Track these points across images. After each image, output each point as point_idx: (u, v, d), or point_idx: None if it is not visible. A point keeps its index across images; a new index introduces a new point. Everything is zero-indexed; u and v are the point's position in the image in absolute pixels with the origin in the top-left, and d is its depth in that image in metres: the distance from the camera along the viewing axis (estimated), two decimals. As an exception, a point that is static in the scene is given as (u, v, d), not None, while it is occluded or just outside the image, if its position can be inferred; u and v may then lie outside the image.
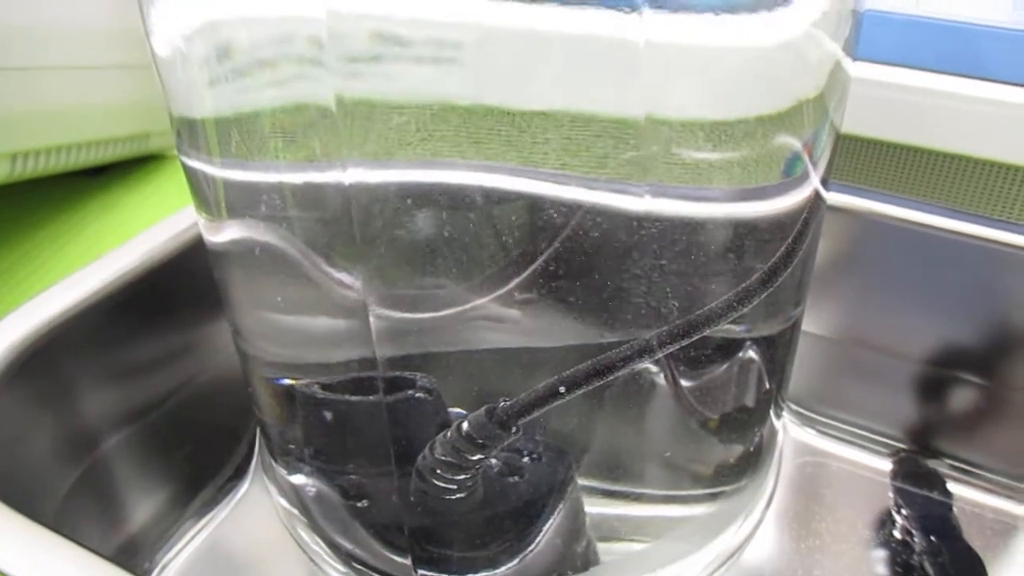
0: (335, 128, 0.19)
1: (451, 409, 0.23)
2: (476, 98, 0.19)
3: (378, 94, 0.18)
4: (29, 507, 0.22)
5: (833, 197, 0.34)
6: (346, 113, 0.18)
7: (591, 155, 0.19)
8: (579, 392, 0.20)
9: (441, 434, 0.22)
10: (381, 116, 0.19)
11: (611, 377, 0.20)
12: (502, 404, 0.21)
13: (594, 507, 0.25)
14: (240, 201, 0.23)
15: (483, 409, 0.21)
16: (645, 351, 0.20)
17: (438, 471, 0.22)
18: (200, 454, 0.33)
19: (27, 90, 0.43)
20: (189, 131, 0.22)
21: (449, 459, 0.22)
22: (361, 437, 0.24)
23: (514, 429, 0.21)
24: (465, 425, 0.21)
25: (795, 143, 0.21)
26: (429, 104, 0.19)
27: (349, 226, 0.20)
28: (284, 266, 0.22)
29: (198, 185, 0.24)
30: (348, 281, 0.21)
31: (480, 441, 0.21)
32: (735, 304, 0.21)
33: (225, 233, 0.24)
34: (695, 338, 0.21)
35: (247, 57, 0.19)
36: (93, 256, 0.30)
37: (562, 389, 0.20)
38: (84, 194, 0.57)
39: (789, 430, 0.36)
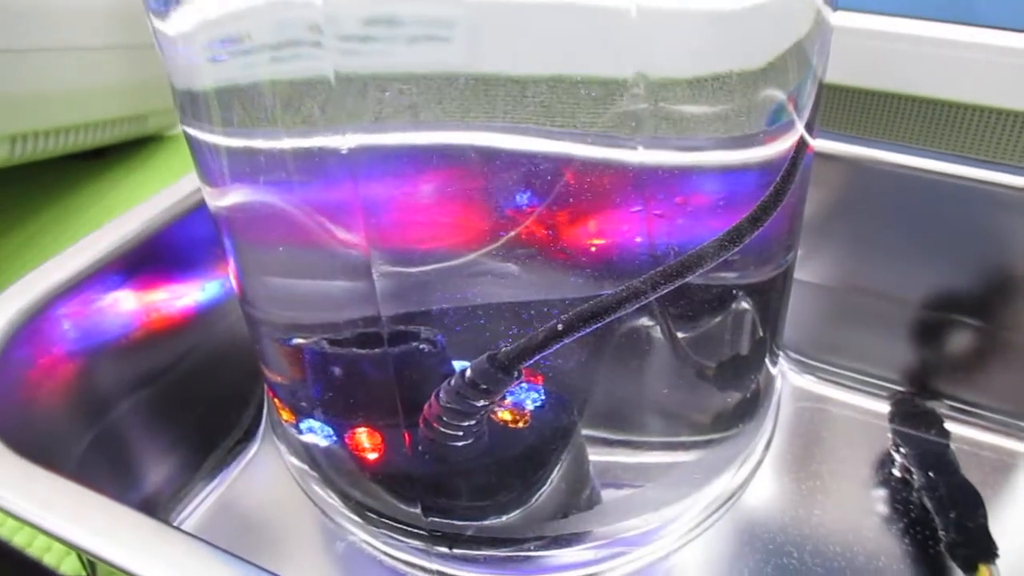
0: (335, 100, 0.19)
1: (455, 361, 0.23)
2: (473, 68, 0.19)
3: (376, 69, 0.19)
4: (48, 467, 0.22)
5: (828, 145, 0.34)
6: (345, 86, 0.19)
7: (585, 115, 0.19)
8: (577, 335, 0.20)
9: (446, 382, 0.22)
10: (379, 87, 0.19)
11: (608, 319, 0.20)
12: (503, 349, 0.21)
13: (596, 455, 0.26)
14: (244, 169, 0.23)
15: (485, 355, 0.21)
16: (640, 292, 0.20)
17: (444, 418, 0.23)
18: (210, 417, 0.34)
19: (26, 72, 0.43)
20: (192, 104, 0.23)
21: (454, 406, 0.22)
22: (369, 391, 0.25)
23: (516, 374, 0.21)
24: (468, 372, 0.22)
25: (780, 94, 0.22)
26: (426, 75, 0.19)
27: (351, 189, 0.20)
28: (289, 230, 0.23)
29: (202, 155, 0.24)
30: (351, 242, 0.21)
31: (483, 386, 0.21)
32: (727, 243, 0.21)
33: (229, 200, 0.24)
34: (688, 278, 0.21)
35: (250, 39, 0.20)
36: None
37: (560, 327, 0.20)
38: (85, 176, 0.57)
39: (789, 377, 0.37)
